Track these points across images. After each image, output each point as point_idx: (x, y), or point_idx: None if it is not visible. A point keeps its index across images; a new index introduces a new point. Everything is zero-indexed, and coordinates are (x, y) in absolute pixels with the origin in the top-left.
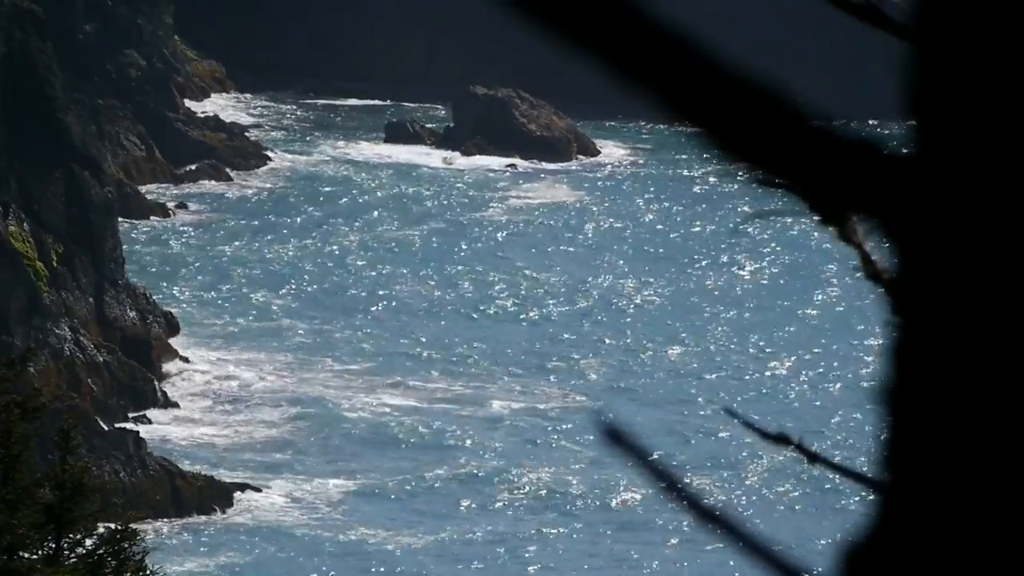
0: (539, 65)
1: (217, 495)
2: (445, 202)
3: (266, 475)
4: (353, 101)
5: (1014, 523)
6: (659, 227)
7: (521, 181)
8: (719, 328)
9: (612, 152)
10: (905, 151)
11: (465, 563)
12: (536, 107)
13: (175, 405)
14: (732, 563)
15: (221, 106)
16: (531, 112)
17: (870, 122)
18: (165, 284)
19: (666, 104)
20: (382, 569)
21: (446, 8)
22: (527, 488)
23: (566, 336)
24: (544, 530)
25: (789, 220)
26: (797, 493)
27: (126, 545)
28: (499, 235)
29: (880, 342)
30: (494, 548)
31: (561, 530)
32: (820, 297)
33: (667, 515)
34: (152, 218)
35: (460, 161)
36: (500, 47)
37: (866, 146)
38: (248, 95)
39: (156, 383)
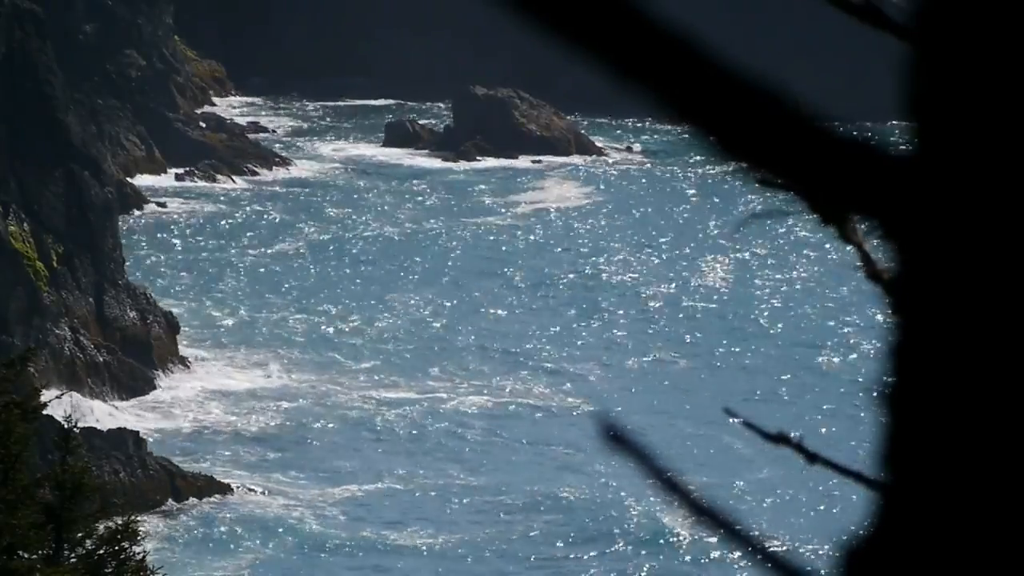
0: (539, 65)
1: (217, 494)
2: (444, 202)
3: (267, 474)
4: (353, 101)
5: (1014, 523)
6: (658, 227)
7: (521, 181)
8: (719, 327)
9: (612, 152)
10: (905, 151)
11: (466, 563)
12: (536, 107)
13: (175, 404)
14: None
15: (221, 106)
16: (531, 112)
17: (870, 123)
18: (165, 283)
19: (666, 104)
20: (385, 569)
21: (446, 8)
22: (527, 489)
23: (567, 336)
24: (545, 531)
25: (789, 220)
26: (797, 493)
27: (126, 545)
28: (499, 235)
29: (880, 342)
30: (495, 549)
31: (562, 532)
32: (820, 296)
33: (666, 516)
34: (152, 218)
35: (460, 161)
36: (500, 47)
37: (866, 146)
38: (248, 95)
39: (156, 382)
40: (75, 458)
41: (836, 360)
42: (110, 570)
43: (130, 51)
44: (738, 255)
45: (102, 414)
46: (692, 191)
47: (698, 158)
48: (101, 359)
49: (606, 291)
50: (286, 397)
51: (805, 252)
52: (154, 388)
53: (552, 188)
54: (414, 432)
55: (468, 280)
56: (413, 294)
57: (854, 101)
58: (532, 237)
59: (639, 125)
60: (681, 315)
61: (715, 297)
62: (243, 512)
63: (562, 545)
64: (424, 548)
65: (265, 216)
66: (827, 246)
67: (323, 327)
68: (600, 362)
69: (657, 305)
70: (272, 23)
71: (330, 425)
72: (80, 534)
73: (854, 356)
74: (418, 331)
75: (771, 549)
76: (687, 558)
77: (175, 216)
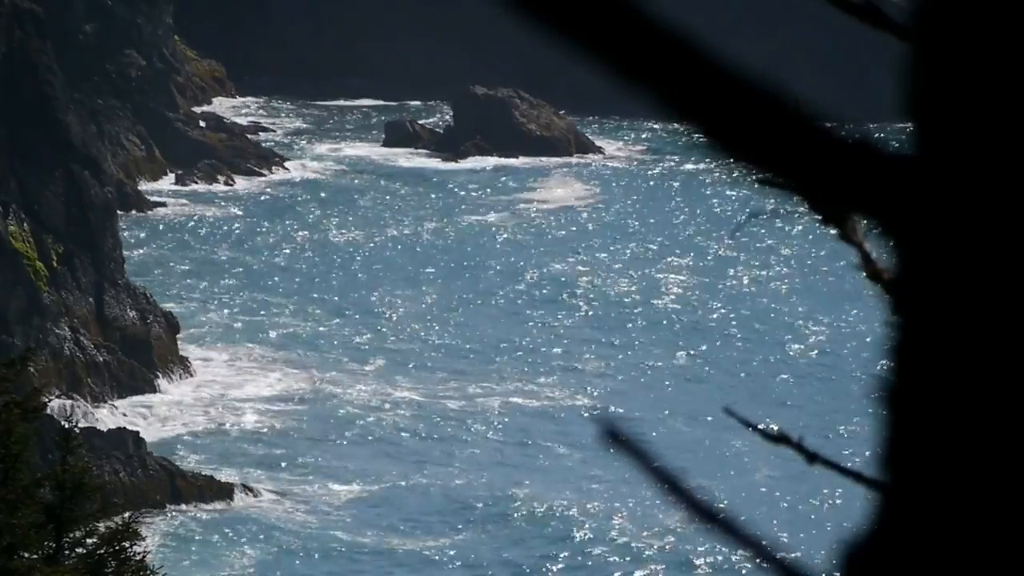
0: (539, 65)
1: (217, 494)
2: (444, 202)
3: (267, 474)
4: (353, 101)
5: (1014, 523)
6: (659, 226)
7: (521, 181)
8: (719, 327)
9: (612, 152)
10: (905, 151)
11: (467, 563)
12: (536, 107)
13: (175, 404)
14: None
15: (221, 106)
16: (531, 112)
17: (870, 123)
18: (165, 283)
19: (666, 104)
20: (385, 570)
21: (446, 8)
22: (527, 490)
23: (567, 336)
24: (547, 531)
25: (790, 220)
26: (797, 493)
27: (126, 545)
28: (498, 235)
29: (880, 342)
30: (496, 550)
31: (562, 533)
32: (820, 296)
33: (666, 518)
34: (152, 218)
35: (460, 161)
36: (500, 47)
37: (866, 146)
38: (247, 95)
39: (156, 382)
40: (75, 458)
41: (835, 360)
42: (110, 570)
43: (130, 51)
44: (738, 254)
45: (102, 414)
46: (692, 190)
47: (698, 158)
48: (101, 359)
49: (607, 290)
50: (286, 397)
51: (805, 251)
52: (154, 388)
53: (552, 188)
54: (415, 432)
55: (468, 280)
56: (413, 293)
57: (854, 101)
58: (532, 237)
59: (640, 125)
60: (682, 314)
61: (715, 296)
62: (243, 512)
63: (562, 546)
64: (424, 549)
65: (265, 216)
66: (827, 245)
67: (323, 327)
68: (602, 362)
69: (657, 304)
70: (272, 23)
71: (330, 425)
72: (80, 534)
73: (853, 356)
74: (418, 331)
75: (771, 549)
76: (689, 560)
77: (175, 216)
